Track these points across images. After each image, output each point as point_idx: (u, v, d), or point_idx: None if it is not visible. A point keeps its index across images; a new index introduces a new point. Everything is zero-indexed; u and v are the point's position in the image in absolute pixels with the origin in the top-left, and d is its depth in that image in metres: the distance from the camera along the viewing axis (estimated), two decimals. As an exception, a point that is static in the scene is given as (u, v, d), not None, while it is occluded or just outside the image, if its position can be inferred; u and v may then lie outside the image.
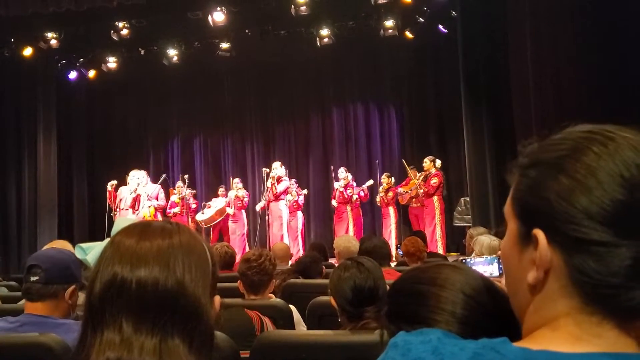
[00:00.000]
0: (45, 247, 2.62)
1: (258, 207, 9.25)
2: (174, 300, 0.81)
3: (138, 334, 0.79)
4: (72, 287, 1.86)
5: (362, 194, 9.46)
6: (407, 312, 0.83)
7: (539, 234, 0.61)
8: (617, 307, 0.58)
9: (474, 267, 2.46)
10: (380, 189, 9.38)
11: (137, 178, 8.75)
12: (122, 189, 8.75)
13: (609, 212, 0.57)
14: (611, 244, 0.56)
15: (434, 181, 8.69)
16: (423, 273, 0.88)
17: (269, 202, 8.78)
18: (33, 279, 1.81)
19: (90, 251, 1.43)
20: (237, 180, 9.56)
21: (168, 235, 0.86)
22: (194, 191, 9.97)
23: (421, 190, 8.77)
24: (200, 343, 0.82)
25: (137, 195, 8.75)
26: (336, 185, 9.34)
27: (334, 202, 9.47)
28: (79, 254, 1.48)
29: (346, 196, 9.19)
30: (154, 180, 9.43)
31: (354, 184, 9.50)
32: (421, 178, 8.87)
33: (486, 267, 2.51)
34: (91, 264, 1.30)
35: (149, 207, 8.67)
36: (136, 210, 8.66)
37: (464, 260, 2.56)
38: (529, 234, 0.62)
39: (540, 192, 0.61)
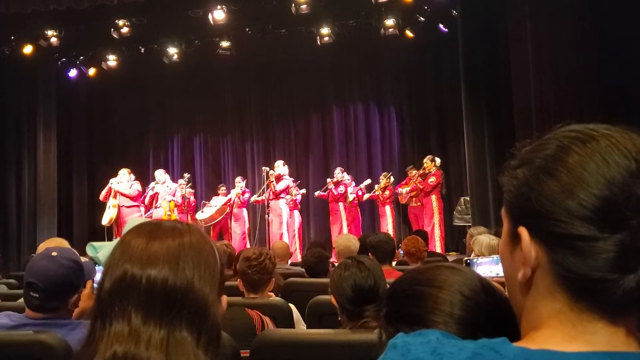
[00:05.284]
0: (41, 246, 2.57)
1: (253, 199, 9.28)
2: (182, 297, 0.82)
3: (146, 325, 0.80)
4: (75, 296, 1.80)
5: (360, 192, 9.48)
6: (406, 313, 0.84)
7: (522, 231, 0.63)
8: (603, 302, 0.59)
9: (480, 267, 2.47)
10: (376, 187, 9.42)
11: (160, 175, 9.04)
12: (119, 186, 8.84)
13: (588, 208, 0.58)
14: (591, 238, 0.58)
15: (432, 180, 8.71)
16: (421, 275, 0.88)
17: (268, 200, 8.79)
18: (33, 294, 1.73)
19: (102, 250, 1.45)
20: (239, 178, 9.57)
21: (179, 235, 0.88)
22: (192, 192, 9.95)
23: (421, 186, 8.80)
24: (207, 339, 0.83)
25: (155, 193, 8.93)
26: (328, 181, 9.38)
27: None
28: (90, 252, 1.50)
29: (336, 194, 9.20)
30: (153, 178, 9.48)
31: (353, 183, 9.52)
32: (417, 176, 8.88)
33: (492, 267, 2.51)
34: (102, 261, 1.31)
35: (169, 201, 8.78)
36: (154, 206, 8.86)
37: (469, 261, 2.56)
38: (517, 232, 0.64)
39: (525, 191, 0.63)
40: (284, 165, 9.02)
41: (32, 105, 9.61)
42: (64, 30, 8.84)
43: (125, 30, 8.71)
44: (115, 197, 8.87)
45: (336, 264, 2.38)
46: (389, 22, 8.78)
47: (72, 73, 10.15)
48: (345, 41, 9.42)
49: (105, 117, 11.34)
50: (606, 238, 0.57)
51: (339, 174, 9.33)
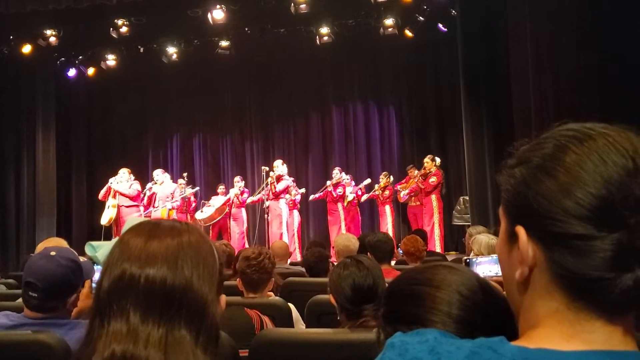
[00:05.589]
0: (40, 245, 2.57)
1: (249, 200, 9.28)
2: (181, 297, 0.82)
3: (145, 324, 0.80)
4: (74, 295, 1.80)
5: (359, 192, 9.48)
6: (404, 313, 0.84)
7: (520, 230, 0.63)
8: (601, 301, 0.59)
9: (479, 267, 2.47)
10: (376, 187, 9.42)
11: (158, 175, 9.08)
12: (118, 186, 8.86)
13: (586, 207, 0.58)
14: (589, 237, 0.58)
15: (433, 180, 8.71)
16: (419, 274, 0.88)
17: (267, 198, 8.78)
18: (32, 294, 1.73)
19: (100, 249, 1.45)
20: (237, 178, 9.56)
21: (177, 234, 0.88)
22: (195, 190, 9.96)
23: (422, 185, 8.81)
24: (206, 339, 0.83)
25: (152, 194, 8.95)
26: (327, 183, 9.38)
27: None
28: (89, 251, 1.50)
29: (335, 195, 9.21)
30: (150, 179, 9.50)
31: (352, 183, 9.52)
32: (419, 175, 8.88)
33: (491, 266, 2.50)
34: (101, 261, 1.31)
35: (165, 207, 8.80)
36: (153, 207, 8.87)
37: (468, 260, 2.56)
38: (514, 232, 0.64)
39: (522, 190, 0.63)
40: (282, 165, 9.02)
41: (31, 105, 9.60)
42: (63, 29, 8.83)
43: (124, 29, 8.71)
44: (114, 196, 8.88)
45: (335, 264, 2.38)
46: (389, 21, 8.79)
47: (71, 73, 10.14)
48: (344, 41, 9.42)
49: (105, 117, 11.34)
50: (603, 237, 0.57)
51: (337, 174, 9.33)
